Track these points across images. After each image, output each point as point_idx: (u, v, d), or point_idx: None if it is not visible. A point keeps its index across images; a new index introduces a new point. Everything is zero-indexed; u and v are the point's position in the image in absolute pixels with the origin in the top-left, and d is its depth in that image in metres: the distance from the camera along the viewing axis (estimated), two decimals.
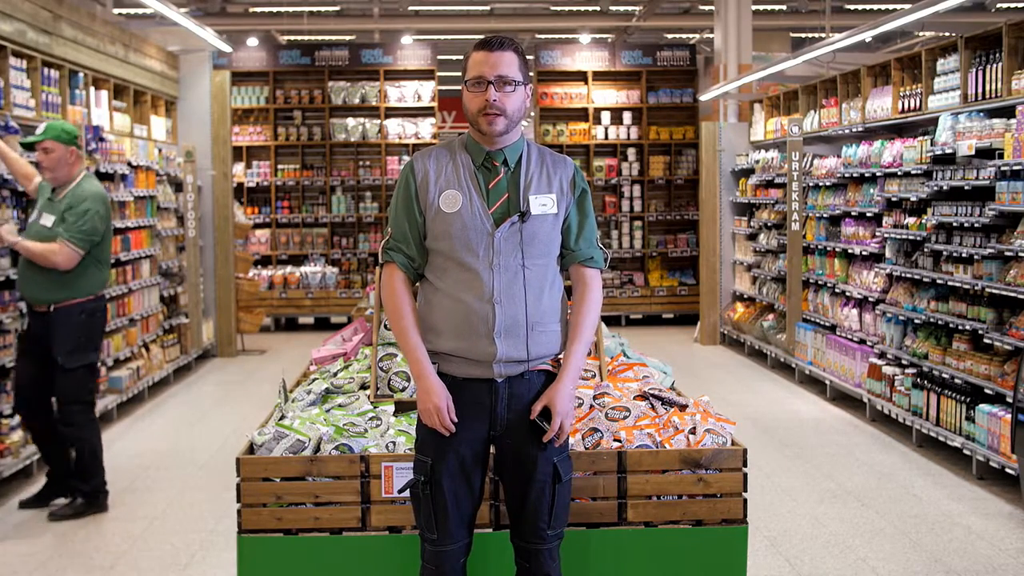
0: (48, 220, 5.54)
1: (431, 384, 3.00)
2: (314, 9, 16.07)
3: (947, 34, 7.90)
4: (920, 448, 6.98)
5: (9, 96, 6.72)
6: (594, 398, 3.78)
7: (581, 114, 14.14)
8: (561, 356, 3.12)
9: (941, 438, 6.62)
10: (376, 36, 17.93)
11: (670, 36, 18.24)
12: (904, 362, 7.44)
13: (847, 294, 8.71)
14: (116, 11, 11.62)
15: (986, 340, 6.30)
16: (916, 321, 7.33)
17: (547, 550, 3.08)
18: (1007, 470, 5.85)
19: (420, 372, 3.03)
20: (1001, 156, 6.19)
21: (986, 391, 6.26)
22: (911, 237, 7.44)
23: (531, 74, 3.02)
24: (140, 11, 13.12)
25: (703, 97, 13.17)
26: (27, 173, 5.97)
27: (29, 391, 5.70)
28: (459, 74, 3.08)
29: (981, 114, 6.58)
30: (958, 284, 6.64)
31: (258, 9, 16.11)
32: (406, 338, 3.05)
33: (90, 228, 5.56)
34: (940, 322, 6.91)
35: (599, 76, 14.20)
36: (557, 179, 3.09)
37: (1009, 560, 4.96)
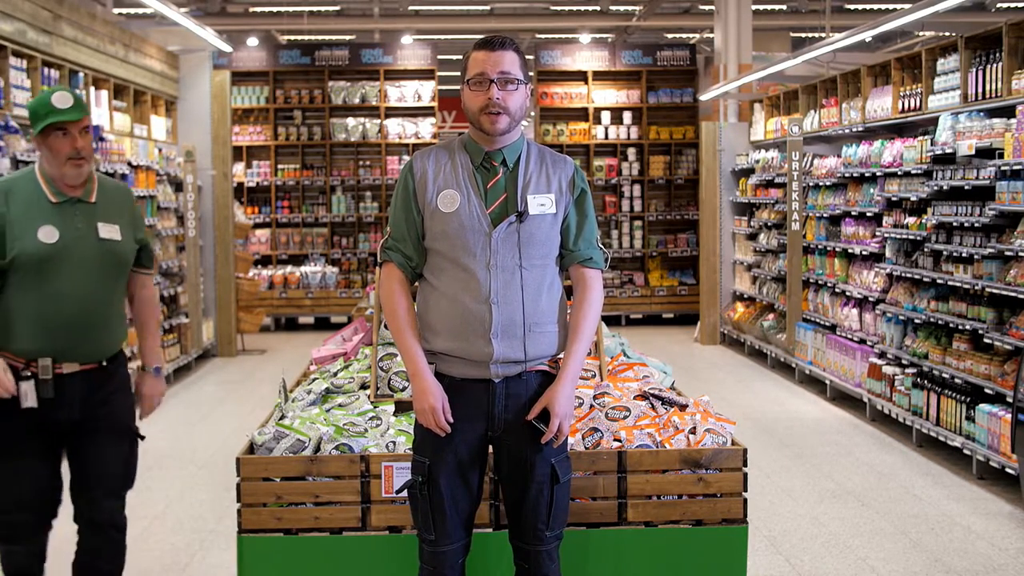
0: (113, 231, 3.67)
1: (426, 384, 3.00)
2: (314, 9, 16.07)
3: (947, 34, 7.90)
4: (920, 448, 6.98)
5: (9, 96, 6.72)
6: (594, 398, 3.78)
7: (581, 114, 14.14)
8: (559, 357, 3.11)
9: (941, 438, 6.62)
10: (376, 36, 17.92)
11: (670, 36, 18.23)
12: (904, 362, 7.44)
13: (847, 294, 8.71)
14: (116, 11, 11.61)
15: (986, 340, 6.30)
16: (916, 321, 7.33)
17: (545, 551, 3.06)
18: (1007, 470, 5.85)
19: (415, 372, 3.02)
20: (1001, 156, 6.19)
21: (986, 391, 6.26)
22: (911, 237, 7.44)
23: (531, 74, 3.00)
24: (140, 11, 13.12)
25: (703, 97, 13.18)
26: None
27: (49, 504, 3.72)
28: (459, 74, 3.07)
29: (981, 114, 6.58)
30: (958, 284, 6.64)
31: (258, 9, 16.11)
32: (402, 338, 3.04)
33: None
34: (940, 322, 6.91)
35: (599, 76, 14.20)
36: (556, 179, 3.07)
37: (1009, 560, 4.96)
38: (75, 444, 3.68)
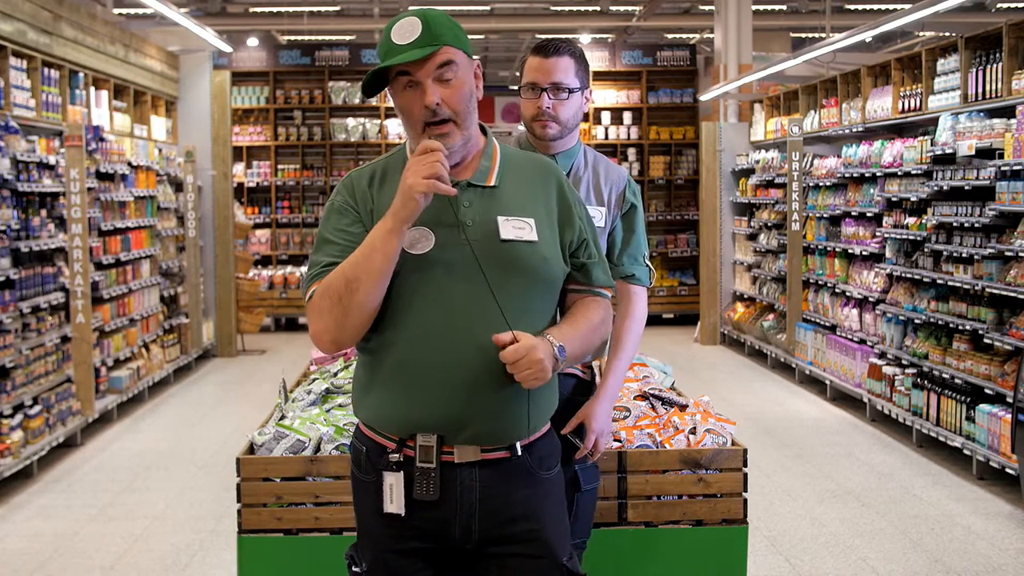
0: (523, 229, 2.34)
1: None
2: (314, 9, 16.06)
3: (947, 34, 7.90)
4: (920, 448, 6.98)
5: (9, 96, 6.72)
6: None
7: None
8: (591, 363, 3.07)
9: (941, 438, 6.62)
10: (376, 36, 17.91)
11: (670, 36, 18.22)
12: (904, 362, 7.44)
13: (847, 294, 8.71)
14: (116, 11, 11.60)
15: (986, 340, 6.30)
16: (916, 321, 7.33)
17: None
18: (1007, 470, 5.85)
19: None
20: (1001, 156, 6.19)
21: (986, 391, 6.26)
22: (911, 237, 7.44)
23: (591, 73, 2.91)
24: (140, 11, 13.11)
25: (703, 97, 13.17)
26: None
27: None
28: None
29: (981, 114, 6.58)
30: (958, 284, 6.64)
31: (258, 9, 16.10)
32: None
33: None
34: (940, 322, 6.91)
35: (599, 76, 14.20)
36: (607, 191, 3.05)
37: (1009, 560, 4.96)
38: None
